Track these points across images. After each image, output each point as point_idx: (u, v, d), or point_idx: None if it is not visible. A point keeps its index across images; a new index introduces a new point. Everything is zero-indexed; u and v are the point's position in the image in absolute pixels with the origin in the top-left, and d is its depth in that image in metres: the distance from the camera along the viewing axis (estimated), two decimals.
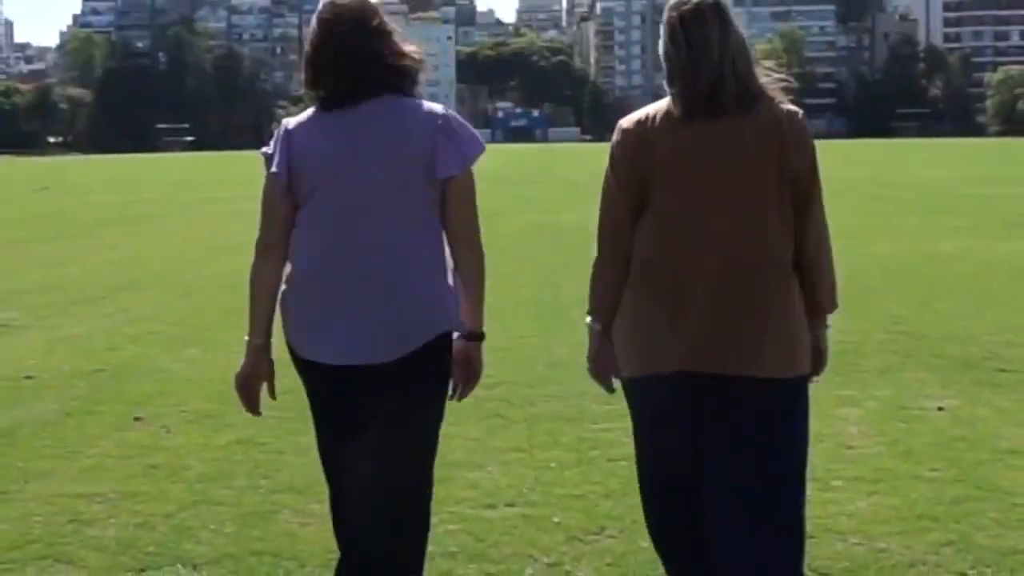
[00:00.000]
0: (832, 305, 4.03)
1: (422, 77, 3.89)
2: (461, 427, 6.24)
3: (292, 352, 3.82)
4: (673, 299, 3.73)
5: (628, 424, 5.88)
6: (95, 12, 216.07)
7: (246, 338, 3.89)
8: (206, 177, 53.87)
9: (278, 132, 3.87)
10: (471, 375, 3.83)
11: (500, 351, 8.44)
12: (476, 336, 3.82)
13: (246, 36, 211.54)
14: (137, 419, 6.95)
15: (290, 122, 3.90)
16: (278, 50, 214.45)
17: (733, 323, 3.69)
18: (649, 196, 3.80)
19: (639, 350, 3.80)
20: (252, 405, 3.98)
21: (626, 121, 3.95)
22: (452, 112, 3.86)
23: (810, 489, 5.22)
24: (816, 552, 4.60)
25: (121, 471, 5.88)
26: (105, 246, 19.49)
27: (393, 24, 3.89)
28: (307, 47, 3.82)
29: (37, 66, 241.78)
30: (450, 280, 3.75)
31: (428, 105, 3.83)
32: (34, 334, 10.25)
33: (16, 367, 8.62)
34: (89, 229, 23.41)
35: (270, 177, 3.80)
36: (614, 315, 3.85)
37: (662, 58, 3.89)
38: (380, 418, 3.69)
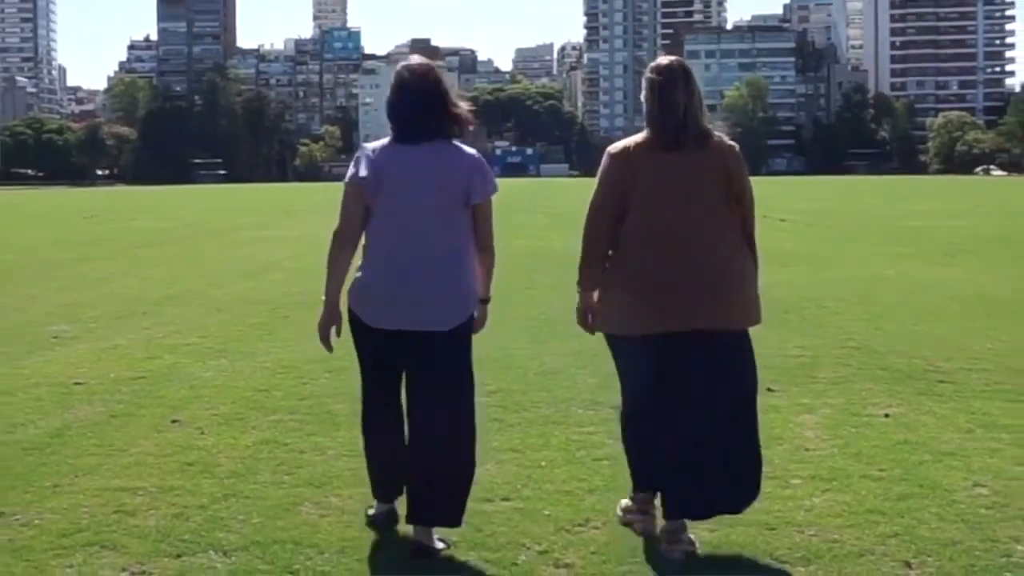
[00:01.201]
0: (756, 265, 4.86)
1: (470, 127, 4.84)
2: None
3: (356, 322, 4.70)
4: (656, 279, 4.59)
5: (611, 427, 5.99)
6: (139, 59, 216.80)
7: (323, 298, 4.83)
8: (235, 206, 54.02)
9: (361, 152, 4.74)
10: (481, 324, 4.85)
11: (496, 362, 8.47)
12: (485, 301, 4.85)
13: (272, 81, 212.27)
14: (174, 421, 6.96)
15: (371, 146, 4.77)
16: (300, 94, 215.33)
17: (706, 291, 4.58)
18: (629, 206, 4.65)
19: (627, 315, 4.67)
20: (327, 344, 4.84)
21: (613, 148, 4.84)
22: (480, 156, 4.79)
23: (771, 486, 5.39)
24: (776, 543, 4.63)
25: (160, 468, 5.89)
26: (146, 266, 19.49)
27: (450, 83, 4.91)
28: (389, 92, 4.72)
29: (87, 107, 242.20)
30: (475, 267, 4.73)
31: (467, 150, 4.73)
32: (83, 345, 10.25)
33: (67, 374, 8.62)
34: (131, 251, 23.44)
35: (359, 181, 4.63)
36: (595, 287, 4.81)
37: (644, 104, 4.81)
38: (439, 364, 4.60)
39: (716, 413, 4.54)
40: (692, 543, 4.52)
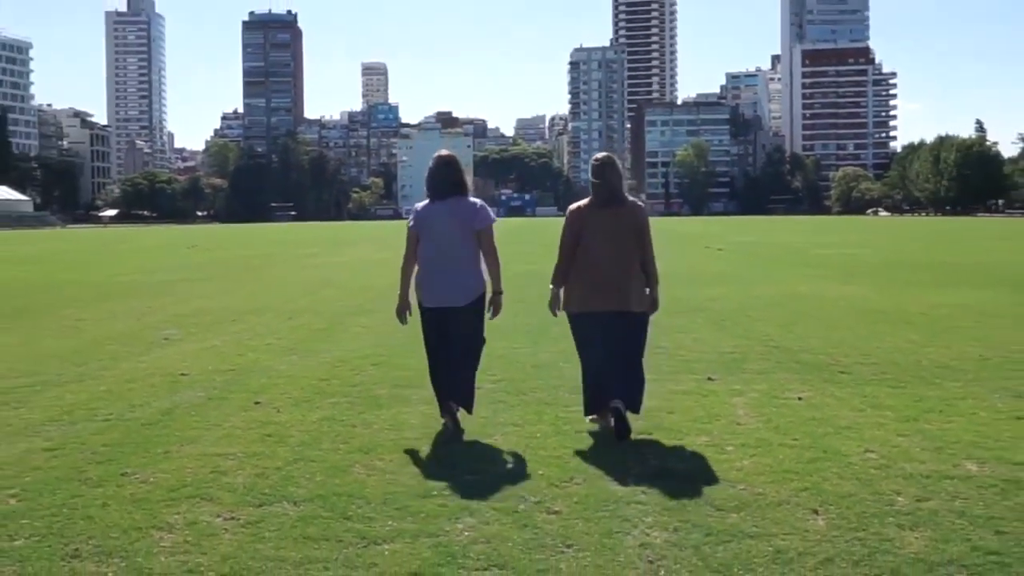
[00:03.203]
0: (656, 283, 6.19)
1: (472, 189, 6.38)
2: (478, 408, 6.26)
3: (420, 304, 6.09)
4: (594, 282, 5.98)
5: None
6: (229, 127, 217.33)
7: (398, 292, 6.25)
8: (301, 239, 54.03)
9: (412, 210, 6.25)
10: (497, 309, 6.09)
11: (501, 358, 8.49)
12: (499, 292, 6.08)
13: (331, 144, 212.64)
14: (256, 403, 6.97)
15: (418, 206, 6.20)
16: (352, 154, 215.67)
17: (621, 291, 5.96)
18: (580, 241, 6.04)
19: (579, 302, 6.06)
20: (402, 321, 6.28)
21: (571, 207, 6.25)
22: (482, 202, 6.19)
23: (711, 452, 5.41)
24: (715, 495, 4.64)
25: (245, 438, 5.91)
26: (234, 285, 19.54)
27: (463, 164, 6.36)
28: (427, 172, 6.12)
29: (190, 163, 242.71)
30: (483, 272, 6.03)
31: (472, 199, 6.11)
32: (187, 345, 10.27)
33: (175, 367, 8.65)
34: (224, 273, 23.49)
35: (412, 229, 6.09)
36: (561, 286, 6.14)
37: (590, 180, 6.20)
38: (463, 325, 5.98)
39: (625, 354, 5.99)
40: (627, 433, 5.78)
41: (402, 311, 6.18)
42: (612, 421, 5.83)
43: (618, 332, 5.94)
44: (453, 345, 5.99)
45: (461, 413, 6.08)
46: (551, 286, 6.16)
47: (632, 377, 5.97)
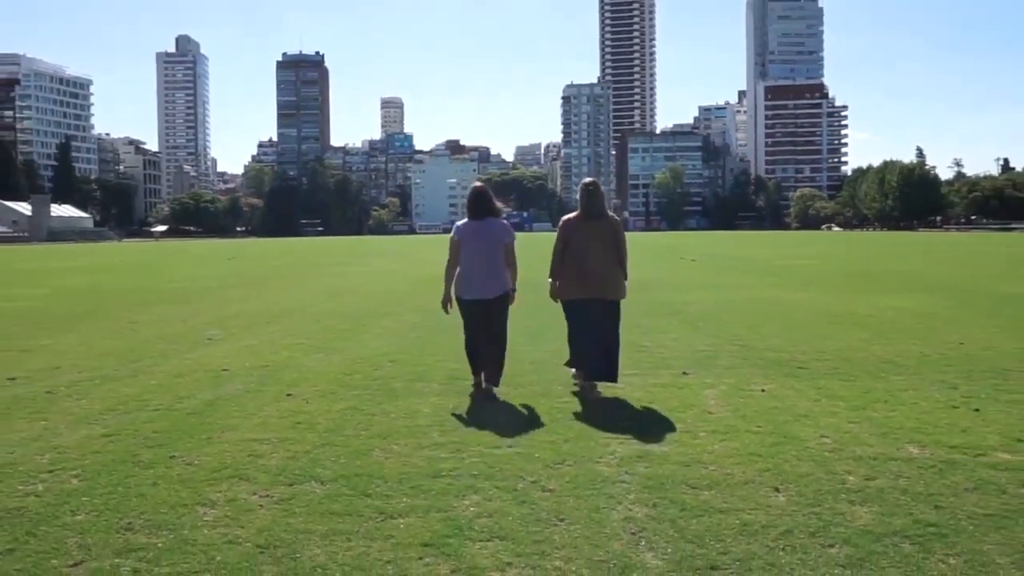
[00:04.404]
0: (625, 276, 6.92)
1: (504, 212, 7.33)
2: (482, 400, 6.24)
3: (458, 298, 6.83)
4: (581, 276, 6.77)
5: (582, 398, 5.93)
6: (265, 153, 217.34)
7: (443, 287, 6.91)
8: (327, 251, 53.98)
9: (456, 225, 6.95)
10: (512, 300, 6.90)
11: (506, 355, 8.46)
12: (514, 289, 6.91)
13: (354, 168, 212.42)
14: (288, 395, 6.95)
15: (459, 223, 6.93)
16: (372, 177, 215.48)
17: (602, 283, 6.75)
18: (568, 245, 6.84)
19: (569, 291, 6.85)
20: (447, 311, 6.95)
21: (563, 218, 7.03)
22: (508, 223, 7.02)
23: (685, 438, 5.37)
24: (689, 474, 4.62)
25: (278, 425, 5.89)
26: (268, 291, 19.50)
27: (492, 193, 7.11)
28: (468, 198, 6.95)
29: (230, 185, 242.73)
30: (506, 272, 6.80)
31: (502, 220, 6.96)
32: (228, 344, 10.25)
33: (218, 364, 8.64)
34: (260, 282, 23.44)
35: (455, 239, 6.84)
36: (557, 279, 6.90)
37: (579, 198, 7.00)
38: (494, 315, 6.76)
39: (603, 335, 6.75)
40: (600, 393, 6.68)
41: (445, 303, 6.91)
42: (588, 382, 6.84)
43: (598, 315, 6.79)
44: (485, 327, 6.79)
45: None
46: (549, 279, 7.02)
47: (610, 353, 6.78)
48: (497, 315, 6.78)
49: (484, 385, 6.73)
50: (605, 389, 6.81)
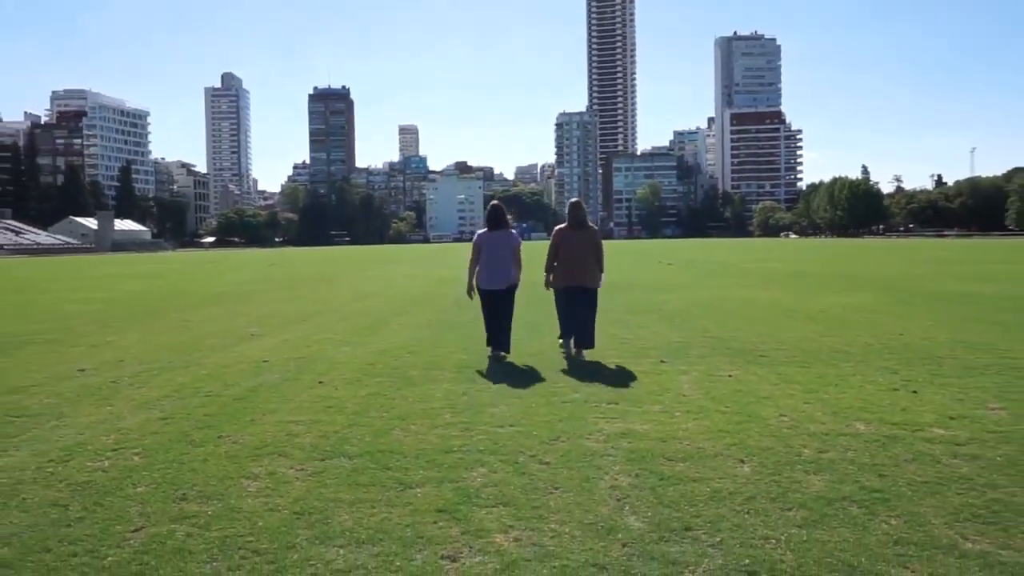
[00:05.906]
0: (602, 271, 7.93)
1: (513, 223, 8.55)
2: (485, 385, 6.24)
3: (478, 287, 7.80)
4: (568, 270, 7.80)
5: (574, 384, 5.95)
6: (299, 174, 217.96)
7: (467, 279, 8.01)
8: (352, 258, 53.88)
9: (476, 233, 7.95)
10: (516, 288, 7.82)
11: None
12: (518, 280, 7.82)
13: (376, 187, 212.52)
14: (320, 383, 6.93)
15: (479, 231, 7.86)
16: (392, 194, 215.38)
17: (584, 276, 7.79)
18: (559, 248, 7.86)
19: (559, 282, 7.84)
20: (471, 298, 8.08)
21: (556, 228, 7.98)
22: (517, 232, 7.82)
23: (663, 418, 5.35)
24: (666, 449, 4.62)
25: (311, 409, 5.88)
26: (303, 294, 19.47)
27: (505, 209, 7.99)
28: (486, 213, 7.92)
29: (269, 202, 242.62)
30: (515, 269, 7.72)
31: (512, 232, 7.81)
32: (268, 339, 10.23)
33: (259, 356, 8.62)
34: (296, 286, 23.39)
35: (475, 244, 7.79)
36: (550, 274, 7.96)
37: (567, 211, 8.10)
38: (504, 302, 7.78)
39: (584, 313, 7.77)
40: (584, 356, 7.68)
41: (469, 291, 8.05)
42: (573, 348, 7.88)
43: (581, 299, 7.87)
44: (498, 311, 7.81)
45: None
46: (544, 273, 8.14)
47: (588, 327, 7.83)
48: (507, 303, 7.92)
49: (497, 352, 7.85)
50: (594, 379, 6.78)
